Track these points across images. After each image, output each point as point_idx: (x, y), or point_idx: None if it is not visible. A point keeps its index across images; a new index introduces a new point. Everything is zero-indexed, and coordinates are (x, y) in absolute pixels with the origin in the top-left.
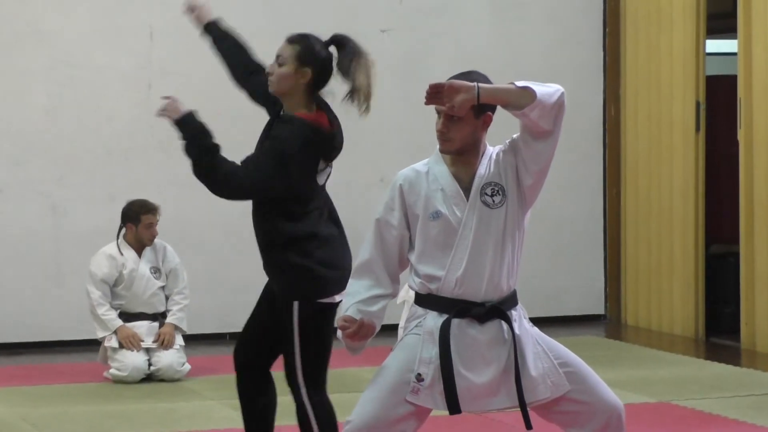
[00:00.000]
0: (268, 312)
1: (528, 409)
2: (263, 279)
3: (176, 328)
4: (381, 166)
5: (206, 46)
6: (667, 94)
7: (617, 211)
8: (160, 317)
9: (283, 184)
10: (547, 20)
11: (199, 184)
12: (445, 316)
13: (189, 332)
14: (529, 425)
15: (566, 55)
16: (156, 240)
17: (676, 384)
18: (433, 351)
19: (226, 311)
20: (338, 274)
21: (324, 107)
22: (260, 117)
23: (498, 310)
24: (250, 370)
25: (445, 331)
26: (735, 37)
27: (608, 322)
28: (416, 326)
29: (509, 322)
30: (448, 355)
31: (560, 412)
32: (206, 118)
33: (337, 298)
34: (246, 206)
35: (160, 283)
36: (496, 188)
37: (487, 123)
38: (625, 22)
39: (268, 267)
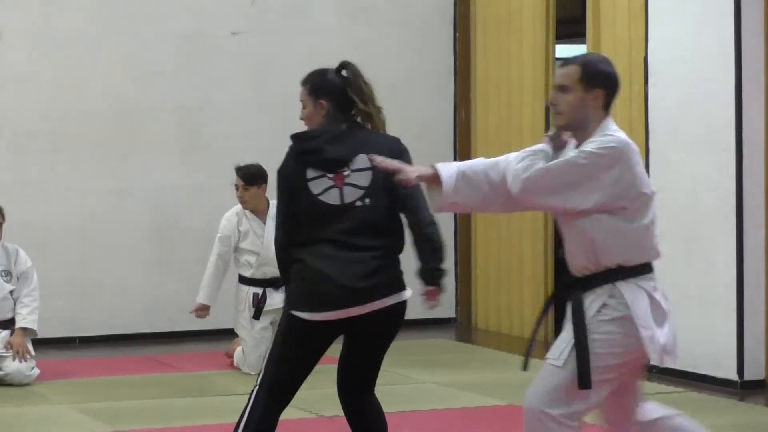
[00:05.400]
0: None
1: None
2: (113, 281)
3: (26, 331)
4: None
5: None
6: (517, 98)
7: (467, 216)
8: (10, 324)
9: None
10: (399, 25)
11: (45, 188)
12: None
13: (37, 336)
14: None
15: (417, 59)
16: (8, 244)
17: (526, 386)
18: None
19: (76, 315)
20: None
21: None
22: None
23: None
24: None
25: None
26: (584, 42)
27: (459, 326)
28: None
29: None
30: None
31: None
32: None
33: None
34: (96, 210)
35: (9, 287)
36: None
37: (598, 98)
38: (475, 28)
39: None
